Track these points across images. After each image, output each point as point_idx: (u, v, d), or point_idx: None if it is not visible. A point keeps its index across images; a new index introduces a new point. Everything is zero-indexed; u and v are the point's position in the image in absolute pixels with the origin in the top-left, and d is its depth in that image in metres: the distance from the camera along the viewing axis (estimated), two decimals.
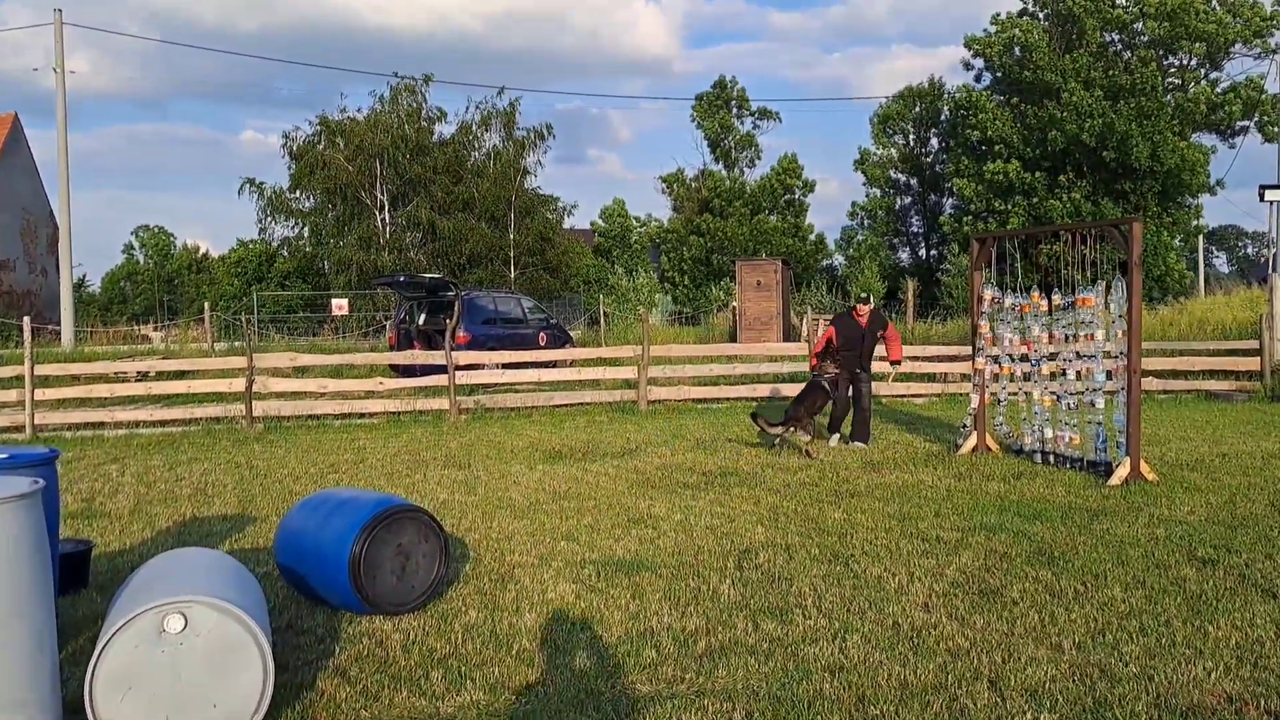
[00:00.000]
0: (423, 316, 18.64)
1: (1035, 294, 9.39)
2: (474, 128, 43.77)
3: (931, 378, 16.50)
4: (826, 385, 10.53)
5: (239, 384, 13.32)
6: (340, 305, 31.64)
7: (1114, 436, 8.54)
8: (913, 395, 15.24)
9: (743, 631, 4.60)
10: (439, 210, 40.78)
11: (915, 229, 59.23)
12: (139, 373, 18.69)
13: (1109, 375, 8.69)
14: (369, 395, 14.33)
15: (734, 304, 42.76)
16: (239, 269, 50.43)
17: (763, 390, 14.97)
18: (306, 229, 43.84)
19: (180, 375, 17.89)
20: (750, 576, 5.52)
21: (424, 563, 5.06)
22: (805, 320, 23.39)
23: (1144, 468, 8.18)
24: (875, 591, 5.17)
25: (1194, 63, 49.21)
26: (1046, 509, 7.17)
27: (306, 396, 14.08)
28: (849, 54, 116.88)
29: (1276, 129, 47.17)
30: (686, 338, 24.56)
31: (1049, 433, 9.21)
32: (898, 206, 58.15)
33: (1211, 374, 15.85)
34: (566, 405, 14.36)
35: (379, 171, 40.54)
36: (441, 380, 13.82)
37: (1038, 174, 46.15)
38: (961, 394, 15.27)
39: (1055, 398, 9.24)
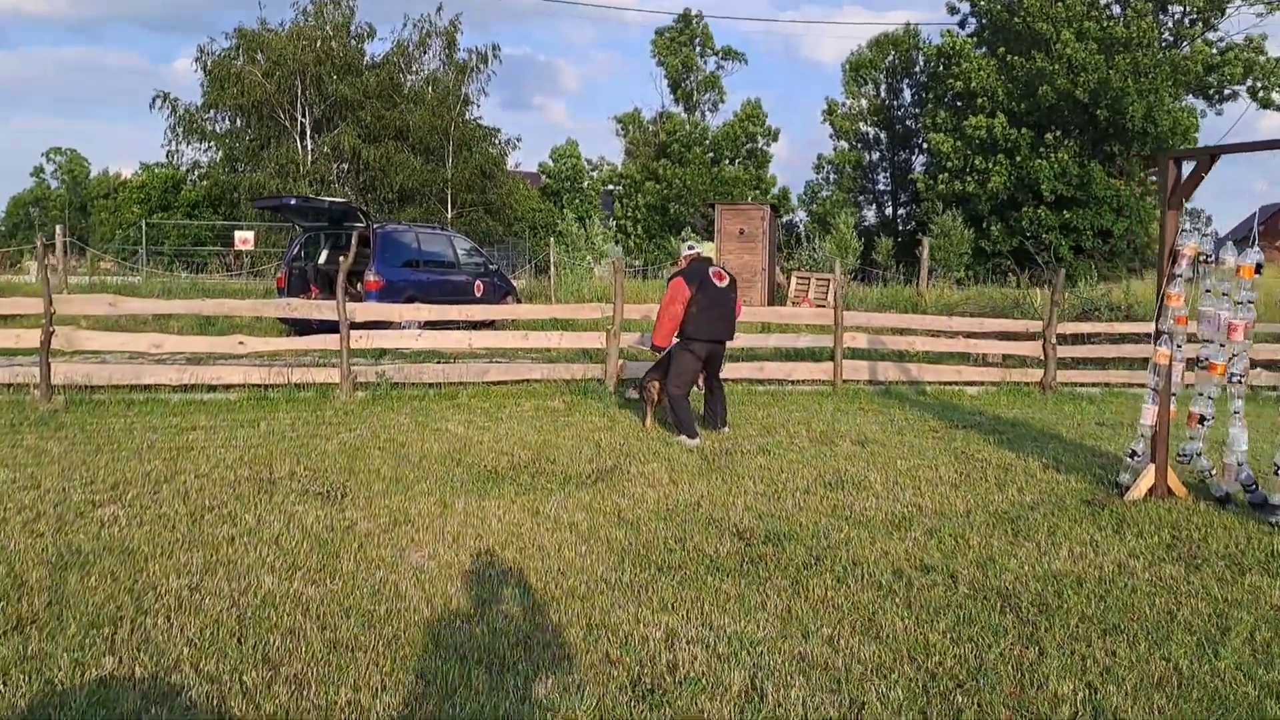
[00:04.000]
0: (325, 253, 14.57)
1: None
2: (410, 49, 39.11)
3: (966, 358, 12.86)
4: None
5: (33, 337, 9.20)
6: (245, 238, 27.19)
7: None
8: (965, 383, 11.59)
9: None
10: (368, 138, 36.22)
11: (883, 186, 55.84)
12: None
13: None
14: (237, 358, 10.30)
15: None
16: (142, 195, 45.11)
17: (794, 372, 11.17)
18: (220, 153, 38.95)
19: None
20: None
21: None
22: (793, 279, 19.72)
23: None
24: None
25: (1189, 20, 46.16)
26: None
27: (137, 358, 10.03)
28: (802, 11, 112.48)
29: (1276, 96, 44.40)
30: (649, 295, 20.68)
31: None
32: (865, 162, 54.63)
33: None
34: (507, 383, 10.46)
35: (300, 91, 35.80)
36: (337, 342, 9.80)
37: (1023, 131, 42.85)
38: (1027, 384, 11.69)
39: None
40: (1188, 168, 6.06)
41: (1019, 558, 4.99)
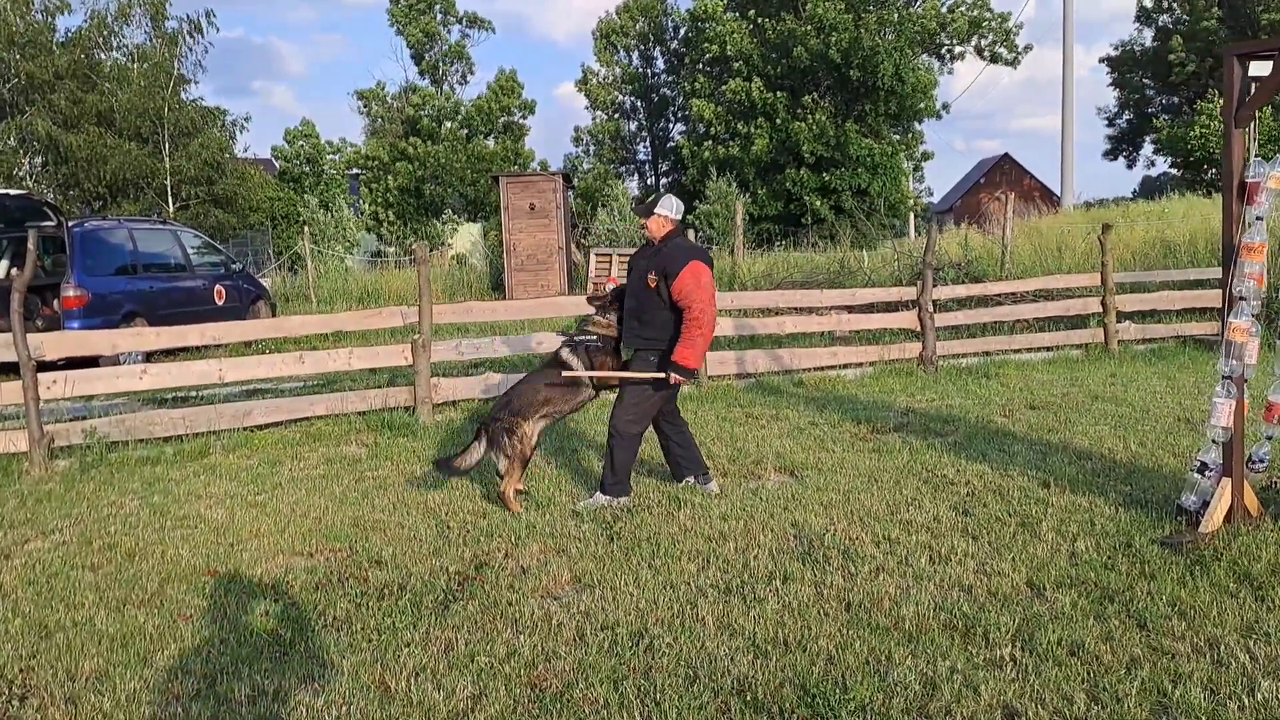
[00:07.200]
0: (3, 265, 11.06)
1: None
2: (110, 19, 33.82)
3: (830, 336, 11.20)
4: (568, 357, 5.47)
5: None
6: None
7: None
8: (841, 366, 9.84)
9: None
10: (64, 125, 30.91)
11: (643, 156, 54.77)
12: None
13: None
14: None
15: (449, 241, 36.23)
16: None
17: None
18: None
19: None
20: None
21: None
22: (593, 257, 17.64)
23: None
24: None
25: None
26: None
27: None
28: None
29: (1003, 51, 46.52)
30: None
31: None
32: (624, 132, 53.32)
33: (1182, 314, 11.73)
34: (280, 424, 7.72)
35: None
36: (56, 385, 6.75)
37: (779, 94, 42.70)
38: (903, 361, 10.10)
39: None
40: (1260, 69, 4.37)
41: (1197, 681, 3.13)
